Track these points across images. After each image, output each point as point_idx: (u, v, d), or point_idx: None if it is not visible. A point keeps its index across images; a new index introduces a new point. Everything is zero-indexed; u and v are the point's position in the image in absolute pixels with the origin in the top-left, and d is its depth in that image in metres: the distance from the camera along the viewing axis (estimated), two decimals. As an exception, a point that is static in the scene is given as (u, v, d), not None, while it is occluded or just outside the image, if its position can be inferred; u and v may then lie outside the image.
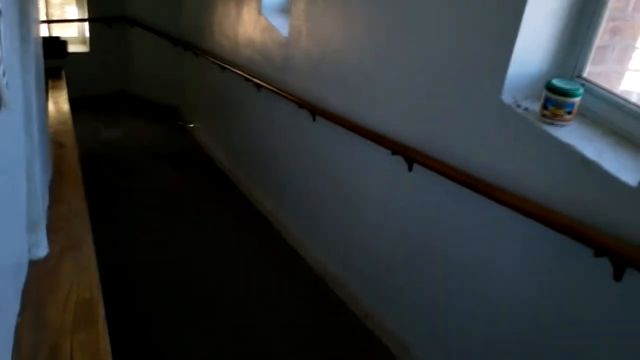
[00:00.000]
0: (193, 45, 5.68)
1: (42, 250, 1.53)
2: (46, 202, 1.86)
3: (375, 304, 3.02)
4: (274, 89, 3.74)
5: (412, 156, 2.49)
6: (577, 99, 1.87)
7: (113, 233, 3.82)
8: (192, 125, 6.23)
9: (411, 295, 2.73)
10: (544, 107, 1.93)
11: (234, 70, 4.47)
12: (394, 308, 2.87)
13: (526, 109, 2.00)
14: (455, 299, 2.43)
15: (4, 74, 1.27)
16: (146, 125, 6.42)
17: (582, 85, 1.93)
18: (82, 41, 6.78)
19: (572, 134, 1.86)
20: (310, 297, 3.31)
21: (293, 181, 3.85)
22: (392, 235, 2.80)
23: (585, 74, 1.98)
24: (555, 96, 1.88)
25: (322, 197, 3.46)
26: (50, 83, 4.12)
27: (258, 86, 4.05)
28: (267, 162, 4.25)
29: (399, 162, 2.58)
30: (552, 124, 1.91)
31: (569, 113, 1.89)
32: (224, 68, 4.75)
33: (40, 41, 2.49)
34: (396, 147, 2.57)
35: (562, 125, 1.90)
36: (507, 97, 2.03)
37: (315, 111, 3.27)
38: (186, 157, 5.61)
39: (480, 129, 2.16)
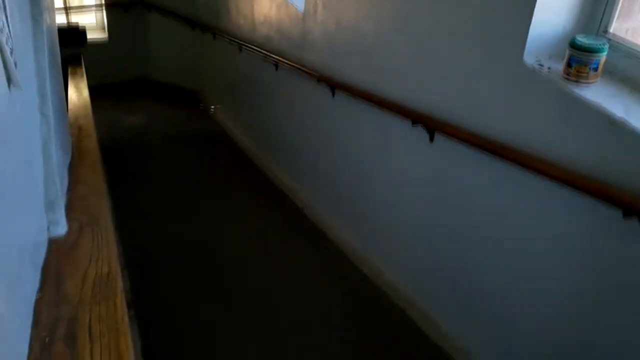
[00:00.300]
0: (210, 26, 5.65)
1: (61, 229, 1.53)
2: (65, 183, 1.86)
3: (399, 278, 2.99)
4: (292, 65, 3.70)
5: (433, 126, 2.45)
6: (602, 56, 1.80)
7: (138, 215, 3.86)
8: (213, 108, 6.22)
9: (435, 268, 2.69)
10: (568, 65, 1.86)
11: (252, 49, 4.43)
12: (419, 281, 2.84)
13: (549, 69, 1.93)
14: (480, 268, 2.38)
15: (11, 52, 1.26)
16: (167, 110, 6.43)
17: (608, 41, 1.86)
18: (101, 28, 6.80)
19: (597, 93, 1.80)
20: (335, 272, 3.29)
21: (314, 158, 3.82)
22: (415, 208, 2.77)
23: (611, 30, 1.91)
24: (580, 54, 1.81)
25: (343, 172, 3.43)
26: (69, 70, 4.14)
27: (276, 64, 4.02)
28: (288, 140, 4.23)
29: (420, 132, 2.54)
30: (576, 83, 1.84)
31: (595, 71, 1.82)
32: (242, 48, 4.72)
33: (56, 26, 2.49)
34: (417, 117, 2.53)
35: (587, 84, 1.84)
36: (529, 58, 1.97)
37: (334, 85, 3.23)
38: (208, 140, 5.61)
39: (502, 93, 2.10)
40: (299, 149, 4.05)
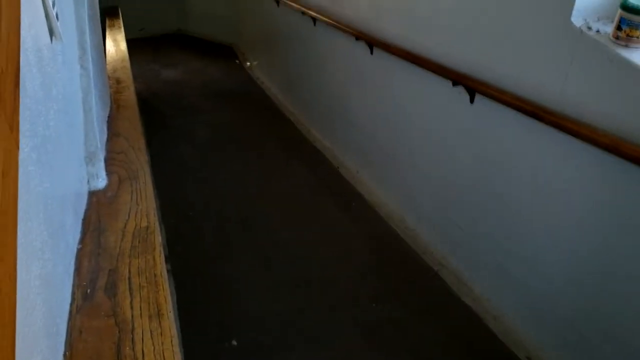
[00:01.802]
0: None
1: (101, 181, 1.55)
2: (104, 136, 1.89)
3: (433, 239, 2.98)
4: (331, 21, 3.65)
5: (474, 86, 2.39)
6: (655, 18, 1.73)
7: (174, 170, 3.91)
8: (248, 63, 6.21)
9: (471, 230, 2.67)
10: (618, 28, 1.78)
11: (290, 3, 4.37)
12: (454, 244, 2.83)
13: (597, 31, 1.86)
14: (515, 229, 2.36)
15: (53, 5, 1.26)
16: (203, 64, 6.44)
17: (663, 2, 1.77)
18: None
19: (649, 57, 1.73)
20: (368, 232, 3.29)
21: (350, 116, 3.79)
22: (452, 169, 2.73)
23: (667, -9, 1.82)
24: (631, 15, 1.74)
25: (380, 131, 3.41)
26: (107, 22, 4.15)
27: (314, 19, 3.96)
28: (324, 98, 4.20)
29: (461, 93, 2.48)
30: (626, 46, 1.77)
31: (647, 34, 1.75)
32: (279, 2, 4.66)
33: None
34: (457, 77, 2.47)
35: (638, 48, 1.76)
36: (577, 19, 1.89)
37: (373, 42, 3.17)
38: (243, 95, 5.61)
39: (548, 55, 2.02)
40: (336, 106, 4.02)
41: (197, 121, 4.87)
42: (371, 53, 3.24)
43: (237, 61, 6.45)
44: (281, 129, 4.76)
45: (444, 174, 2.80)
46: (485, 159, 2.48)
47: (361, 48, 3.32)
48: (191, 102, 5.34)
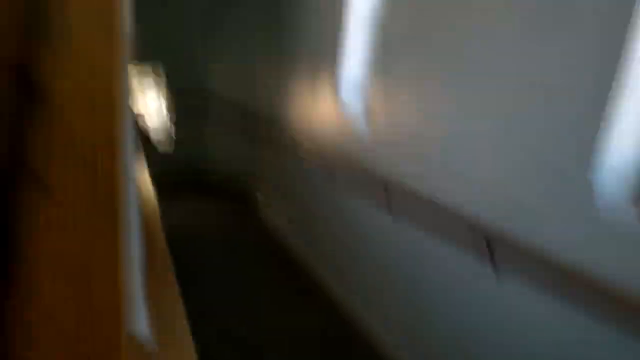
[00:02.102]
0: (266, 129, 5.81)
1: (142, 327, 1.56)
2: (141, 279, 1.91)
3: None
4: (349, 171, 3.77)
5: (493, 243, 2.44)
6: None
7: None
8: (264, 205, 6.17)
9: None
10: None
11: (308, 153, 4.53)
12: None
13: (622, 198, 1.94)
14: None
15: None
16: (217, 208, 6.42)
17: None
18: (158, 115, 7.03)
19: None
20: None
21: (369, 267, 3.77)
22: (468, 338, 2.74)
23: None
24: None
25: (397, 291, 3.42)
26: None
27: (332, 168, 4.08)
28: (342, 254, 4.17)
29: (479, 249, 2.53)
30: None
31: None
32: (297, 151, 4.84)
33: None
34: (475, 233, 2.53)
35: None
36: (601, 186, 1.97)
37: (391, 200, 3.26)
38: (257, 245, 5.50)
39: (570, 224, 2.09)
40: (354, 264, 3.98)
41: (207, 270, 4.73)
42: (388, 205, 3.31)
43: (251, 205, 6.44)
44: (296, 285, 4.62)
45: (466, 333, 2.80)
46: (504, 327, 2.50)
47: (380, 203, 3.40)
48: (200, 248, 5.22)
